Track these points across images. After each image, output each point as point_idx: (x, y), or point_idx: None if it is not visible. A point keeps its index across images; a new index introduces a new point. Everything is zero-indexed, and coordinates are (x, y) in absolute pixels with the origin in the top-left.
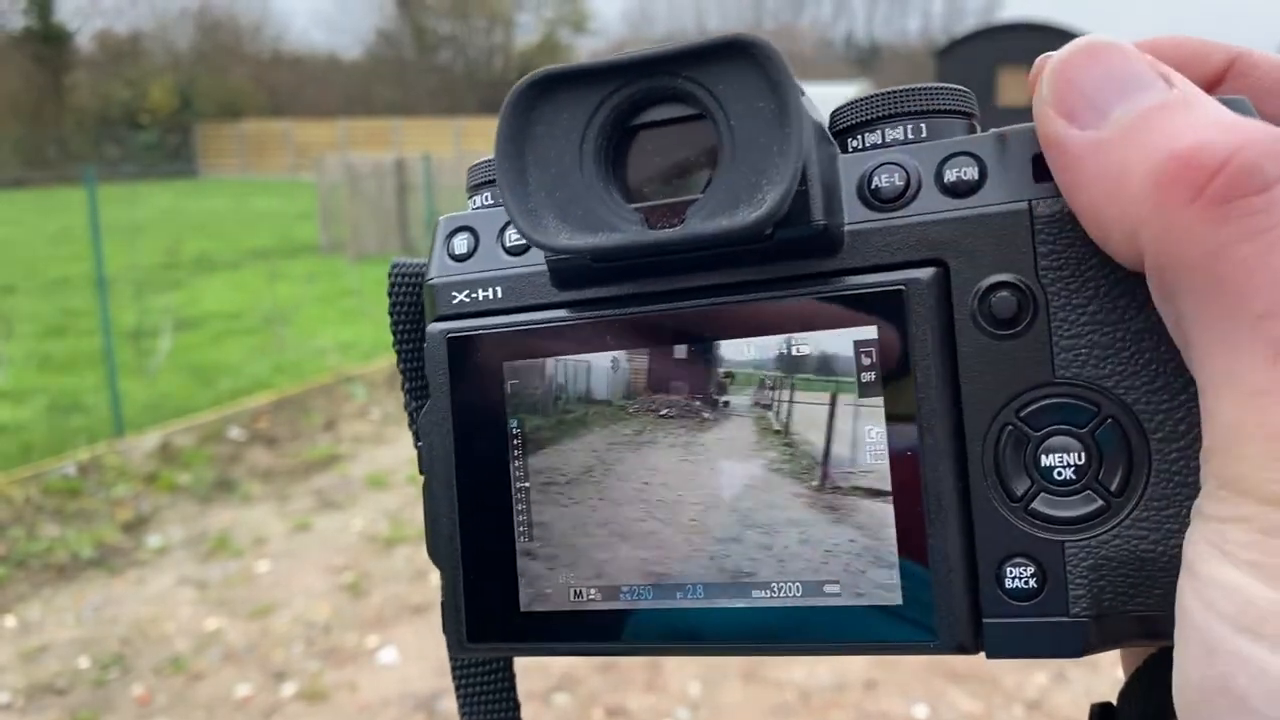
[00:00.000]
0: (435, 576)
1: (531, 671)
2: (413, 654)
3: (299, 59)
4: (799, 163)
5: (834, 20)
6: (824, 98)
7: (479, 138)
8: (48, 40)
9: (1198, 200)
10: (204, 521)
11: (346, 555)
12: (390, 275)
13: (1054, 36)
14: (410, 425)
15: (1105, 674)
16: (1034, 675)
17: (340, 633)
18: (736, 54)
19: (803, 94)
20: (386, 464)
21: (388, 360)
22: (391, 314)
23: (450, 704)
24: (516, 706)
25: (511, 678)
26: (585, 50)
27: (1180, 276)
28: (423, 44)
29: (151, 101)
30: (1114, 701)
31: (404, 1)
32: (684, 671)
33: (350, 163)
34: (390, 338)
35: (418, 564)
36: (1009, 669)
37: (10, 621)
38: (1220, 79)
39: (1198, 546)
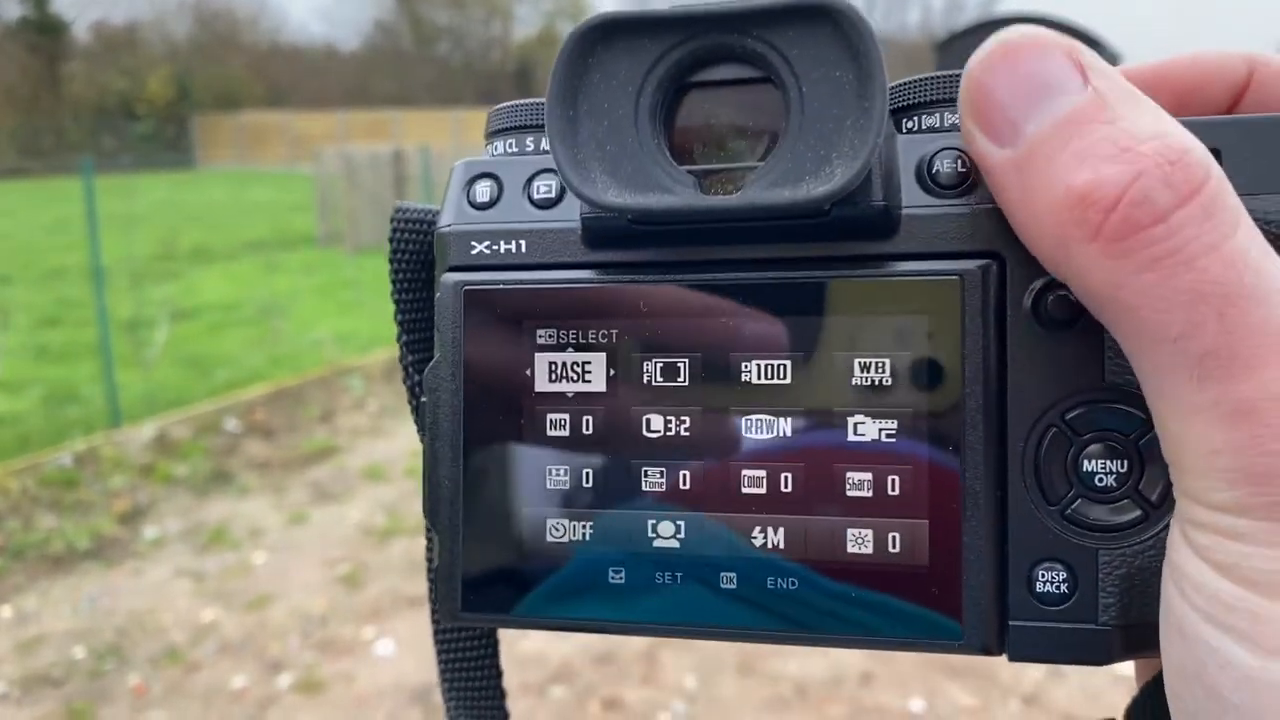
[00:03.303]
0: None
1: (528, 663)
2: (409, 646)
3: (297, 50)
4: (878, 138)
5: None
6: None
7: (477, 129)
8: (44, 30)
9: (1096, 239)
10: (200, 513)
11: (343, 547)
12: (393, 220)
13: (1055, 29)
14: (405, 380)
15: (1103, 671)
16: (1030, 670)
17: (337, 625)
18: (818, 17)
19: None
20: (383, 456)
21: (385, 353)
22: (392, 261)
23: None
24: (499, 674)
25: (495, 645)
26: None
27: (1096, 307)
28: (421, 36)
29: (148, 92)
30: (1118, 717)
31: None
32: (680, 664)
33: (348, 154)
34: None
35: (414, 556)
36: (1005, 663)
37: (6, 612)
38: (1243, 91)
39: (1175, 540)
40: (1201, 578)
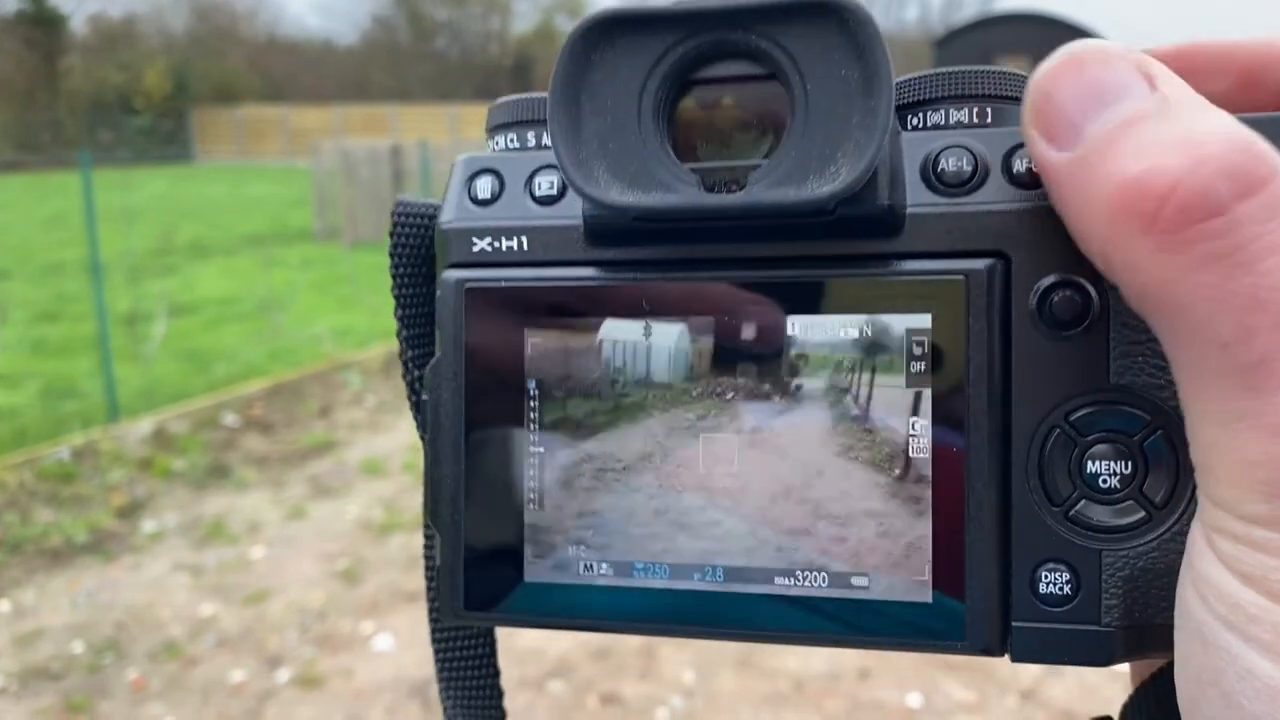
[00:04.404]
0: None
1: (526, 658)
2: (408, 641)
3: (294, 44)
4: (884, 137)
5: None
6: None
7: (475, 125)
8: (41, 23)
9: (1151, 231)
10: (199, 507)
11: (341, 542)
12: (394, 215)
13: (1052, 26)
14: (405, 376)
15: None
16: (1028, 666)
17: (335, 619)
18: (823, 14)
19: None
20: (382, 451)
21: (383, 347)
22: (393, 256)
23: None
24: (497, 673)
25: (493, 644)
26: None
27: (1145, 305)
28: (419, 30)
29: (146, 86)
30: (1113, 715)
31: None
32: (678, 659)
33: (346, 149)
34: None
35: (413, 551)
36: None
37: (4, 606)
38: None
39: (1197, 544)
40: (1225, 585)
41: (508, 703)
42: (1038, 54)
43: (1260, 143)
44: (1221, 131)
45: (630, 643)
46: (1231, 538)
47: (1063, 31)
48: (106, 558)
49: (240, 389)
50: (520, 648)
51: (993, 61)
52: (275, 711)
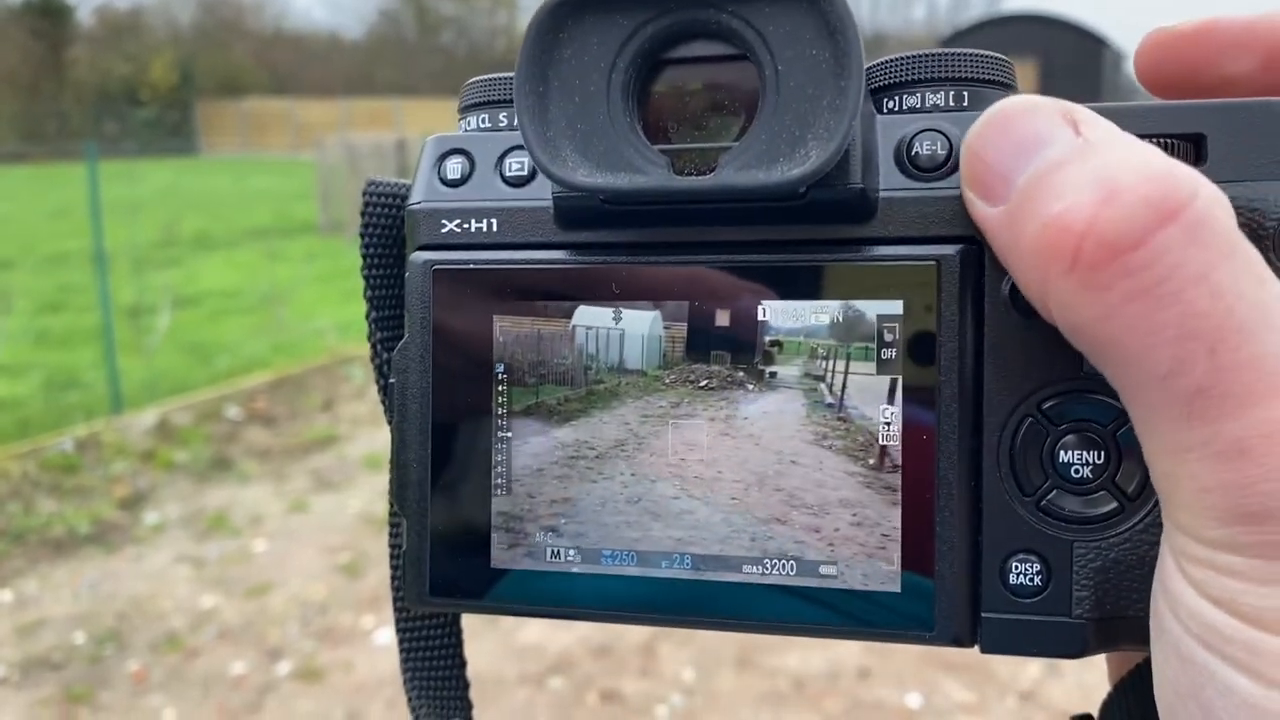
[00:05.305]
0: None
1: (526, 654)
2: None
3: (300, 38)
4: (854, 119)
5: None
6: None
7: None
8: (47, 14)
9: (1075, 269)
10: (201, 500)
11: (343, 536)
12: (365, 194)
13: (1058, 27)
14: (374, 359)
15: (1099, 668)
16: (1028, 667)
17: (336, 613)
18: None
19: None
20: (384, 445)
21: None
22: (363, 236)
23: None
24: (463, 663)
25: (459, 633)
26: None
27: (1082, 342)
28: (425, 25)
29: (152, 77)
30: (1093, 713)
31: None
32: (678, 657)
33: (351, 143)
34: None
35: None
36: (1003, 659)
37: (7, 596)
38: None
39: (1168, 566)
40: (1196, 606)
41: (507, 700)
42: (1044, 55)
43: (1179, 169)
44: (1137, 163)
45: (630, 640)
46: (1197, 563)
47: (1069, 33)
48: (109, 549)
49: (243, 382)
50: (520, 644)
51: None
52: (275, 704)
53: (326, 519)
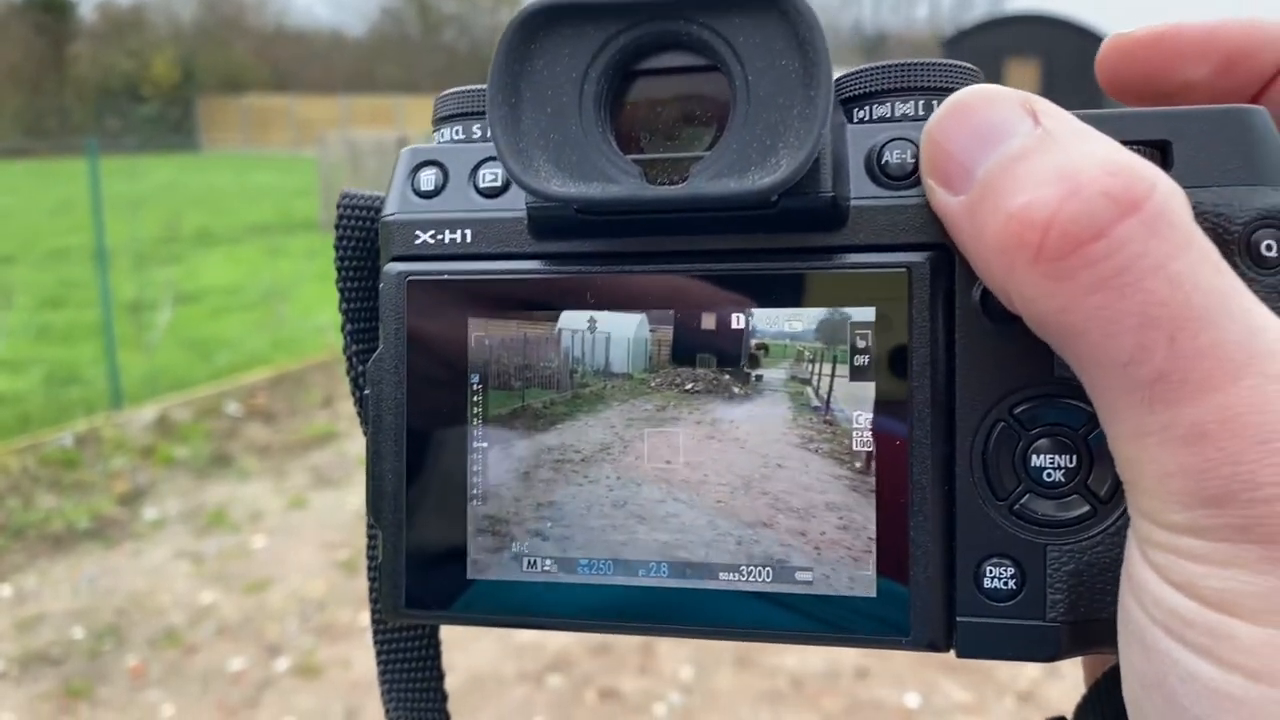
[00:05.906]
0: None
1: (525, 652)
2: None
3: (302, 34)
4: (823, 128)
5: (841, 6)
6: None
7: None
8: (49, 10)
9: (1039, 260)
10: (200, 496)
11: (342, 532)
12: (339, 206)
13: (1061, 28)
14: (349, 371)
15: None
16: (1026, 667)
17: (335, 609)
18: (764, 5)
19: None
20: None
21: None
22: (338, 248)
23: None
24: (441, 675)
25: (437, 644)
26: None
27: (1046, 333)
28: (427, 22)
29: (154, 74)
30: (1067, 715)
31: None
32: (677, 656)
33: (352, 140)
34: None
35: None
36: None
37: (6, 591)
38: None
39: (1133, 554)
40: (1160, 593)
41: (506, 698)
42: (1047, 56)
43: (1140, 163)
44: (1098, 156)
45: (629, 638)
46: (1160, 548)
47: (1072, 33)
48: (108, 544)
49: (243, 378)
50: (519, 642)
51: (1003, 64)
52: (274, 700)
53: (326, 515)
